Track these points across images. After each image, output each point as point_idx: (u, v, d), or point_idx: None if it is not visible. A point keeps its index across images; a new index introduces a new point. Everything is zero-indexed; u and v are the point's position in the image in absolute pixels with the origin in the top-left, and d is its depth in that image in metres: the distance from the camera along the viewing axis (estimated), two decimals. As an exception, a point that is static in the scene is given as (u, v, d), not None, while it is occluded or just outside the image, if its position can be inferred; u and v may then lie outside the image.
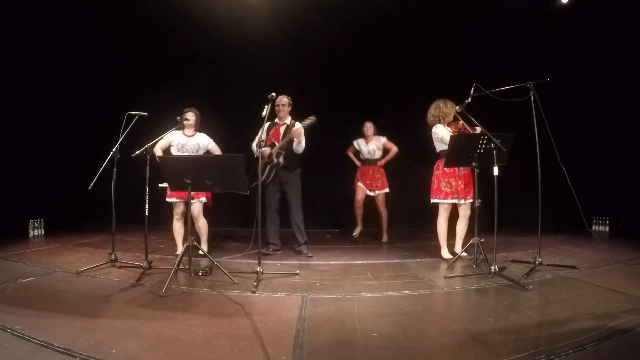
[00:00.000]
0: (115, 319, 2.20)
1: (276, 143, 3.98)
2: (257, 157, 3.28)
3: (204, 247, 3.91)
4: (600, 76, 5.46)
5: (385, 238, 4.98)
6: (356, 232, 4.99)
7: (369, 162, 4.89)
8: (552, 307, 2.35)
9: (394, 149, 4.87)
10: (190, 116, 3.86)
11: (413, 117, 4.98)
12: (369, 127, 4.88)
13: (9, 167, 5.18)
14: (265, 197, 4.04)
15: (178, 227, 3.91)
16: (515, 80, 3.31)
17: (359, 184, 4.90)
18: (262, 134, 3.50)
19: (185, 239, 3.88)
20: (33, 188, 5.53)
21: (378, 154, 4.87)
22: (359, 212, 4.98)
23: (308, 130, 3.95)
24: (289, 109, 4.09)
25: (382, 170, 4.90)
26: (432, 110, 3.80)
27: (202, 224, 3.91)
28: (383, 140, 4.88)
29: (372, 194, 4.89)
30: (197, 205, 3.84)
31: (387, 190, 4.91)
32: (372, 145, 4.87)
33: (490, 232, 3.15)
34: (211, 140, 4.01)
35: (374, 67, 6.01)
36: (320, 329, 2.07)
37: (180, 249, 3.73)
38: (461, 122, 3.64)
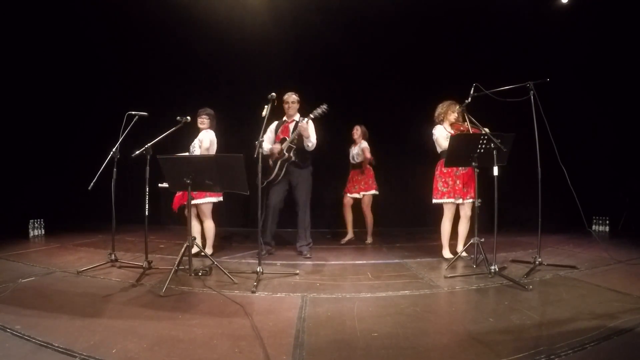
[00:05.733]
0: (115, 319, 2.20)
1: (287, 138, 3.95)
2: (257, 157, 3.24)
3: (209, 250, 3.89)
4: (601, 76, 5.46)
5: (369, 240, 4.93)
6: (344, 240, 4.95)
7: (354, 166, 4.93)
8: (552, 307, 2.35)
9: (366, 155, 4.76)
10: (203, 120, 3.85)
11: (414, 118, 4.98)
12: (355, 131, 4.90)
13: (9, 167, 5.18)
14: (269, 194, 3.98)
15: (198, 228, 3.90)
16: (515, 80, 3.32)
17: (346, 192, 4.96)
18: (262, 134, 3.48)
19: (200, 235, 3.91)
20: (33, 188, 5.53)
21: (361, 158, 4.86)
22: (348, 217, 4.99)
23: (318, 124, 3.94)
24: (297, 106, 4.06)
25: (366, 172, 4.83)
26: (435, 113, 3.84)
27: (208, 226, 3.88)
28: (363, 145, 4.84)
29: (357, 196, 4.88)
30: (205, 206, 3.82)
31: (373, 192, 4.84)
32: (356, 149, 4.90)
33: (490, 232, 3.15)
34: (208, 137, 3.80)
35: (374, 68, 6.01)
36: (320, 329, 2.07)
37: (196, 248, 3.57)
38: (466, 123, 3.63)
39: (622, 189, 5.45)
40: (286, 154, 3.90)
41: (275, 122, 4.11)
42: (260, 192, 3.20)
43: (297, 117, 4.04)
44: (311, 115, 3.84)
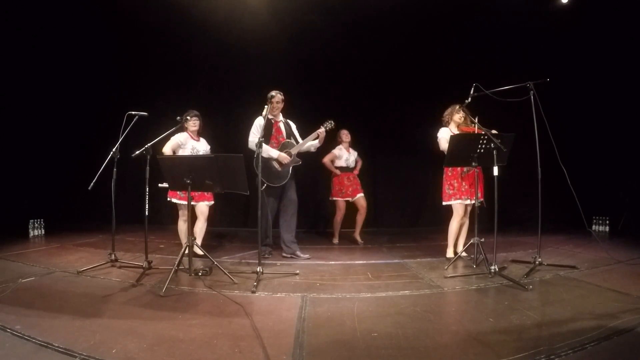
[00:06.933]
0: (115, 319, 2.20)
1: (293, 142, 3.94)
2: (257, 157, 3.22)
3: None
4: (600, 76, 5.47)
5: (360, 239, 4.92)
6: (335, 241, 4.95)
7: (349, 170, 4.89)
8: (552, 307, 2.35)
9: (359, 160, 5.00)
10: (195, 122, 3.87)
11: (415, 118, 4.98)
12: (347, 134, 4.86)
13: (9, 167, 5.18)
14: (271, 196, 3.90)
15: (185, 228, 3.83)
16: (515, 80, 3.32)
17: (340, 199, 4.84)
18: (261, 133, 3.47)
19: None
20: (33, 188, 5.53)
21: (354, 163, 4.95)
22: (339, 226, 4.96)
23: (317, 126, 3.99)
24: (282, 105, 3.97)
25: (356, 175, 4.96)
26: (443, 116, 3.86)
27: (203, 227, 3.92)
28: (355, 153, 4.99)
29: (352, 199, 4.85)
30: (206, 208, 3.85)
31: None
32: (353, 154, 4.93)
33: (490, 232, 3.15)
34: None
35: (374, 67, 6.01)
36: (320, 329, 2.07)
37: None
38: (475, 125, 3.61)
39: (622, 189, 5.44)
40: (298, 159, 3.91)
41: (260, 118, 3.84)
42: (260, 192, 3.19)
43: (281, 117, 4.02)
44: (326, 127, 3.94)
